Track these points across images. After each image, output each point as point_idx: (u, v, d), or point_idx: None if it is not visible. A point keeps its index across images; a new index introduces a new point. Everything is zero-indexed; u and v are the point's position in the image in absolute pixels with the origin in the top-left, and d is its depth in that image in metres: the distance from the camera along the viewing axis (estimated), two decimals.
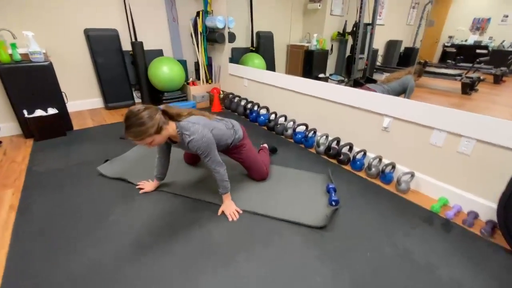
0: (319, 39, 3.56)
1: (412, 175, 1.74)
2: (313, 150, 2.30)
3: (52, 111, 2.43)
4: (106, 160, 1.98)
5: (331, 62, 3.59)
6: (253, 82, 3.13)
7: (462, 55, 1.98)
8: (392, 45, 2.84)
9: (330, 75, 3.59)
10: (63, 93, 2.56)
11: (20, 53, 2.34)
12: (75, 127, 2.74)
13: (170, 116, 1.31)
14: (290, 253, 1.25)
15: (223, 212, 1.50)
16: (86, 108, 3.32)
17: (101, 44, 3.07)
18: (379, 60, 2.94)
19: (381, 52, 2.91)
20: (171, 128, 1.31)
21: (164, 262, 1.19)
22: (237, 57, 3.61)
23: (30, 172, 1.89)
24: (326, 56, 3.59)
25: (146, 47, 3.43)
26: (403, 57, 2.62)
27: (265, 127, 2.81)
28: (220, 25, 3.22)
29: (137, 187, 1.71)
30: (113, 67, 3.21)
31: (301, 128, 2.48)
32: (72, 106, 3.21)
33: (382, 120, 1.87)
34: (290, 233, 1.37)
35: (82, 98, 3.25)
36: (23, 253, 1.23)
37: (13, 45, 2.29)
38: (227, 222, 1.44)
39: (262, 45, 3.73)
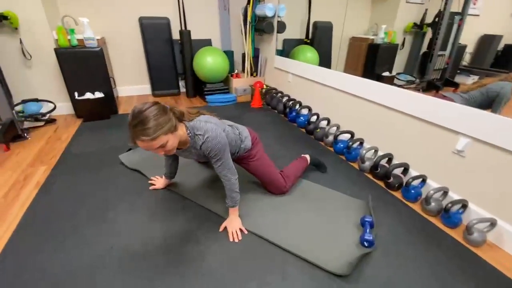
0: (388, 32, 2.98)
1: (493, 223, 1.22)
2: (355, 165, 1.89)
3: (99, 94, 2.56)
4: (129, 149, 1.96)
5: (401, 59, 2.98)
6: (297, 77, 2.79)
7: None
8: (487, 40, 2.14)
9: (398, 74, 2.99)
10: (111, 79, 2.69)
11: (78, 38, 2.50)
12: (120, 112, 2.87)
13: (177, 116, 1.11)
14: None
15: (225, 228, 1.28)
16: (136, 94, 3.48)
17: (152, 32, 3.14)
18: (465, 59, 2.28)
19: (470, 49, 2.25)
20: (181, 130, 1.11)
21: (143, 275, 1.04)
22: (288, 49, 3.30)
23: (66, 152, 2.00)
24: (395, 51, 2.99)
25: (195, 36, 3.40)
26: (500, 57, 1.94)
27: (304, 130, 2.48)
28: (269, 13, 2.95)
29: (149, 181, 1.62)
30: (162, 55, 3.27)
31: (345, 136, 2.07)
32: (123, 91, 3.41)
33: (456, 140, 1.37)
34: (299, 272, 1.08)
35: (133, 84, 3.42)
36: (25, 235, 1.24)
37: (72, 31, 2.46)
38: (227, 241, 1.22)
39: (318, 37, 3.33)
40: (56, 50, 2.34)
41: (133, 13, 3.08)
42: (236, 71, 3.62)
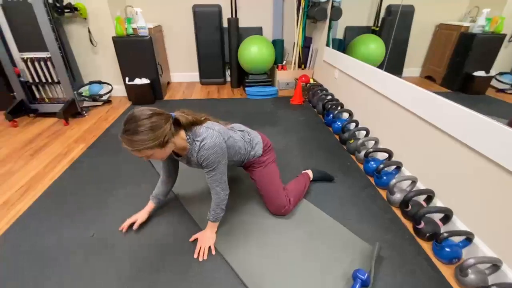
0: (492, 18, 2.23)
1: None
2: (383, 193, 1.51)
3: (145, 81, 2.76)
4: None
5: (506, 55, 2.22)
6: (344, 75, 2.39)
7: None
8: None
9: (499, 74, 2.24)
10: (158, 66, 2.85)
11: (133, 27, 2.71)
12: (166, 98, 3.05)
13: (182, 125, 1.02)
14: None
15: (196, 240, 1.20)
16: (186, 80, 3.65)
17: (204, 20, 3.17)
18: None
19: None
20: (180, 138, 1.02)
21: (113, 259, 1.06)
22: (350, 39, 2.84)
23: (105, 132, 2.24)
24: (499, 43, 2.24)
25: (246, 24, 3.29)
26: None
27: (337, 137, 2.13)
28: None
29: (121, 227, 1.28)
30: (211, 43, 3.28)
31: (381, 156, 1.67)
32: (175, 77, 3.62)
33: None
34: None
35: (184, 70, 3.58)
36: (40, 206, 1.43)
37: (129, 20, 2.68)
38: (190, 257, 1.14)
39: (391, 24, 2.75)
40: (113, 38, 2.60)
41: (188, 1, 3.15)
42: (284, 62, 3.37)
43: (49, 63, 2.33)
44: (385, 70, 2.21)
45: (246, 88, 3.05)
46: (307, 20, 3.02)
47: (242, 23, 3.29)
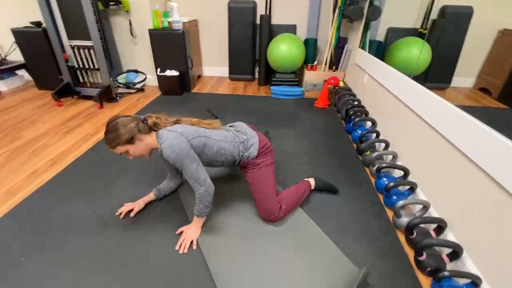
0: None
1: None
2: (391, 214, 1.37)
3: (175, 73, 2.89)
4: None
5: None
6: (373, 81, 2.20)
7: None
8: None
9: None
10: (189, 59, 2.96)
11: (169, 21, 2.84)
12: (193, 90, 3.16)
13: (149, 126, 1.14)
14: None
15: (181, 233, 1.22)
16: (216, 75, 3.73)
17: (237, 15, 3.18)
18: None
19: None
20: (151, 138, 1.14)
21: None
22: (392, 41, 2.61)
23: None
24: None
25: (279, 21, 3.23)
26: None
27: (356, 146, 1.98)
28: None
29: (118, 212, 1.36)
30: (242, 40, 3.29)
31: (397, 173, 1.51)
32: (207, 71, 3.72)
33: None
34: None
35: (216, 65, 3.66)
36: (59, 180, 1.60)
37: (165, 14, 2.81)
38: (172, 249, 1.16)
39: (442, 27, 2.46)
40: (149, 30, 2.76)
41: None
42: (316, 62, 3.24)
43: (91, 51, 2.57)
44: (429, 78, 1.99)
45: (271, 87, 3.01)
46: (343, 20, 2.85)
47: (276, 20, 3.23)
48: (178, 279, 1.04)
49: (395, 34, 2.62)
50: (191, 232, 1.20)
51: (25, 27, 2.73)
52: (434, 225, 1.16)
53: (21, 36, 2.73)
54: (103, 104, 2.64)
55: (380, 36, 2.69)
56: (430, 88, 1.95)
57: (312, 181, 1.46)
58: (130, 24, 2.90)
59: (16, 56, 2.98)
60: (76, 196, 1.46)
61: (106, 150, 1.12)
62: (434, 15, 2.35)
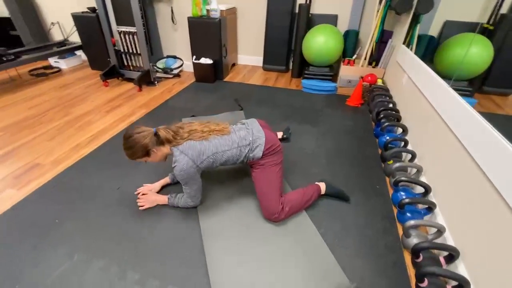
0: None
1: None
2: (401, 232, 1.28)
3: (209, 61, 2.97)
4: (193, 115, 2.24)
5: None
6: (412, 84, 2.00)
7: None
8: None
9: None
10: (223, 48, 3.00)
11: (207, 9, 2.90)
12: (226, 79, 3.22)
13: (161, 140, 1.21)
14: None
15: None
16: (251, 63, 3.72)
17: (276, 4, 3.09)
18: None
19: None
20: (165, 149, 1.23)
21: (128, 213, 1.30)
22: (448, 36, 2.31)
23: (165, 103, 2.56)
24: None
25: (320, 11, 3.07)
26: None
27: (380, 153, 1.86)
28: None
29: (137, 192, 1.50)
30: (279, 29, 3.21)
31: (418, 189, 1.40)
32: (242, 59, 3.73)
33: None
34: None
35: (251, 54, 3.65)
36: (95, 155, 1.81)
37: (204, 1, 2.87)
38: (177, 230, 1.26)
39: None
40: (188, 18, 2.85)
41: None
42: (355, 56, 3.03)
43: (135, 36, 2.76)
44: (490, 81, 1.75)
45: (303, 80, 2.92)
46: (390, 12, 2.59)
47: (317, 10, 3.08)
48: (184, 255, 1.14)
49: (452, 28, 2.31)
50: (152, 200, 1.40)
51: (83, 12, 3.03)
52: (445, 253, 1.07)
53: (79, 20, 3.05)
54: (142, 87, 2.85)
55: (434, 31, 2.40)
56: (490, 93, 1.70)
57: (322, 185, 1.43)
58: (172, 11, 3.03)
59: (76, 38, 3.34)
60: (106, 172, 1.65)
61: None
62: (504, 9, 2.02)
